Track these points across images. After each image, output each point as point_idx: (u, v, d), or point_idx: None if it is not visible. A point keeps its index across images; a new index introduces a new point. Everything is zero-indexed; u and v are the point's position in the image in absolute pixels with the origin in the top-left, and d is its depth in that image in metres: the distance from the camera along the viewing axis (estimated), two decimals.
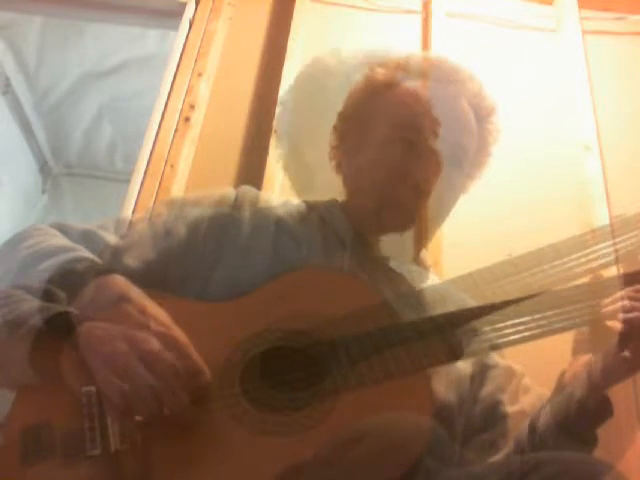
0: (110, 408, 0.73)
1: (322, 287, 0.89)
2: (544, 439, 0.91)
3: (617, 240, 0.91)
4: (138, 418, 0.72)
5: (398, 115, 1.02)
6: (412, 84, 1.04)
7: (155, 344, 0.74)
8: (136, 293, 0.80)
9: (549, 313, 0.86)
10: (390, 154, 1.00)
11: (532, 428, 0.94)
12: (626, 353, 0.85)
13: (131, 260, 0.91)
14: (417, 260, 1.07)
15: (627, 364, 0.86)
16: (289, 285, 0.89)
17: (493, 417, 0.98)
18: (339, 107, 1.11)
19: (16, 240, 0.90)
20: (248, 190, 1.05)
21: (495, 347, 0.92)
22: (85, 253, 0.87)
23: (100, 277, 0.81)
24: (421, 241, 1.04)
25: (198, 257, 0.95)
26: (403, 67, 1.06)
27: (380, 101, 1.05)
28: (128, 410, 0.71)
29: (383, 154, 1.00)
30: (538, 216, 1.52)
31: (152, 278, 0.87)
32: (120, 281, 0.81)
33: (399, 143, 0.99)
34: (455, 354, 0.84)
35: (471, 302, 0.96)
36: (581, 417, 0.88)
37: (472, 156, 1.05)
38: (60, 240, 0.90)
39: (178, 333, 0.77)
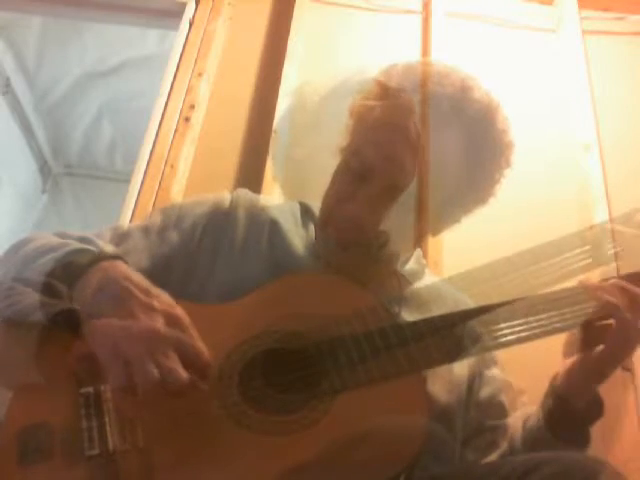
0: (112, 382, 0.73)
1: (319, 290, 0.90)
2: (535, 441, 0.92)
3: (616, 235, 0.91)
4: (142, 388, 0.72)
5: (360, 143, 0.96)
6: (395, 106, 0.95)
7: (159, 321, 0.74)
8: (138, 276, 0.81)
9: (543, 315, 0.86)
10: (338, 178, 0.98)
11: (525, 430, 0.94)
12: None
13: None
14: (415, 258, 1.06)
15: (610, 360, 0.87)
16: (286, 288, 0.90)
17: (494, 418, 0.98)
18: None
19: (19, 244, 0.91)
20: (243, 193, 1.05)
21: (491, 348, 0.92)
22: (87, 246, 0.88)
23: (104, 262, 0.81)
24: (420, 239, 1.03)
25: (193, 263, 0.96)
26: (406, 77, 0.98)
27: (364, 118, 0.99)
28: (130, 384, 0.72)
29: (334, 174, 0.99)
30: (538, 216, 1.52)
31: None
32: (123, 265, 0.82)
33: (349, 172, 0.96)
34: (452, 354, 0.84)
35: (468, 301, 0.96)
36: (570, 417, 0.89)
37: (456, 187, 0.97)
38: (61, 240, 0.91)
39: (181, 312, 0.77)
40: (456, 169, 0.95)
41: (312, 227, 1.03)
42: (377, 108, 0.96)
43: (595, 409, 0.91)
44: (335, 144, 1.01)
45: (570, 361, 0.91)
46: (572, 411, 0.89)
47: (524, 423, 0.95)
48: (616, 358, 0.88)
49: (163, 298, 0.78)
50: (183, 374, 0.73)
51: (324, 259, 0.97)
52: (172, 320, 0.76)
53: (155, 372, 0.71)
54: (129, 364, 0.72)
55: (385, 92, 0.98)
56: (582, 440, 0.90)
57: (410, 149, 0.92)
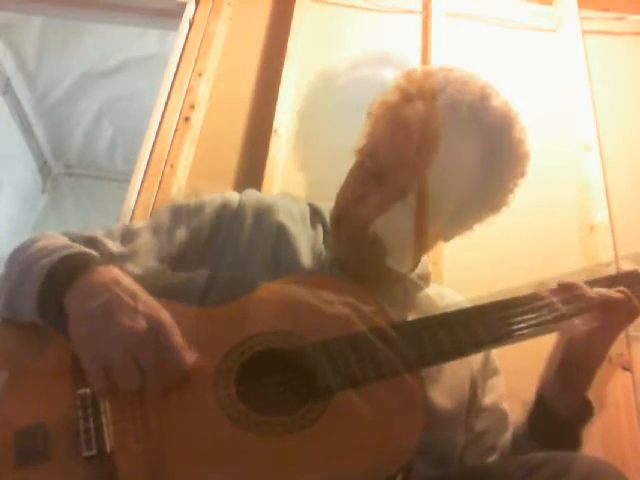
0: (92, 383, 0.75)
1: (317, 290, 0.90)
2: (522, 447, 0.92)
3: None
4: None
5: (376, 145, 0.96)
6: (415, 110, 0.95)
7: (142, 324, 0.75)
8: (128, 280, 0.81)
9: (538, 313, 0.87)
10: (353, 178, 0.98)
11: (514, 436, 0.95)
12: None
13: (133, 267, 0.92)
14: (416, 268, 1.06)
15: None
16: (283, 288, 0.90)
17: (498, 425, 0.99)
18: None
19: (26, 244, 0.92)
20: (252, 194, 1.05)
21: (488, 345, 0.92)
22: (87, 249, 0.89)
23: (97, 266, 0.82)
24: (421, 251, 1.03)
25: (200, 262, 0.96)
26: (425, 82, 0.97)
27: (382, 120, 0.99)
28: (110, 386, 0.73)
29: (349, 174, 0.99)
30: (538, 215, 1.52)
31: (154, 284, 0.87)
32: (114, 270, 0.82)
33: (364, 173, 0.96)
34: (448, 354, 0.84)
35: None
36: (552, 422, 0.90)
37: (470, 194, 0.96)
38: (66, 241, 0.92)
39: (164, 316, 0.78)
40: (472, 176, 0.94)
41: (320, 229, 1.03)
42: (395, 112, 0.96)
43: (583, 412, 0.91)
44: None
45: (546, 364, 0.92)
46: (554, 416, 0.90)
47: (514, 430, 0.96)
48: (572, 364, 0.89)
49: (149, 302, 0.78)
50: (162, 378, 0.74)
51: (331, 260, 0.97)
52: (154, 324, 0.76)
53: (135, 374, 0.73)
54: (109, 366, 0.73)
55: (404, 97, 0.97)
56: (570, 445, 0.90)
57: (425, 154, 0.92)
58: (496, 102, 0.94)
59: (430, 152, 0.91)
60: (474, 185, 0.94)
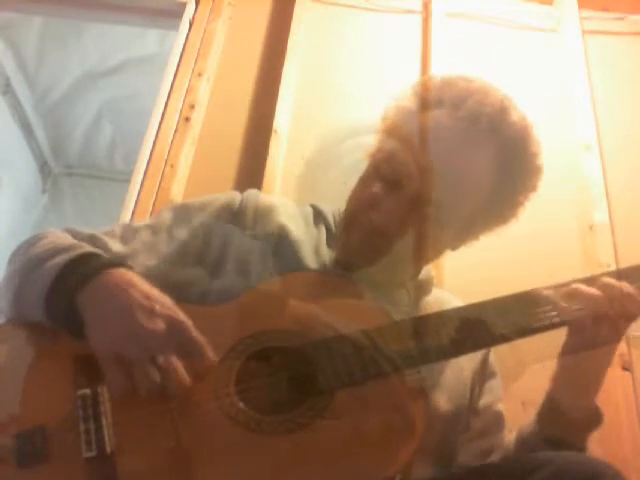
0: (111, 385, 0.75)
1: (317, 289, 0.90)
2: (528, 448, 0.92)
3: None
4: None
5: (393, 150, 0.95)
6: (433, 119, 0.94)
7: (160, 325, 0.75)
8: (142, 281, 0.81)
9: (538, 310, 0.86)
10: (366, 182, 0.96)
11: (519, 441, 0.94)
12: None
13: (133, 266, 0.92)
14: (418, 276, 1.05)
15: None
16: (283, 287, 0.90)
17: (493, 426, 0.99)
18: None
19: (30, 242, 0.91)
20: (253, 195, 1.05)
21: (488, 344, 0.92)
22: (96, 250, 0.89)
23: (109, 269, 0.82)
24: (426, 259, 1.02)
25: (200, 261, 0.96)
26: (443, 91, 0.96)
27: (399, 125, 0.98)
28: (129, 388, 0.73)
29: (362, 178, 0.98)
30: (538, 216, 1.52)
31: (154, 284, 0.88)
32: (127, 272, 0.82)
33: (378, 178, 0.94)
34: (447, 352, 0.84)
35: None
36: (562, 424, 0.89)
37: (482, 205, 0.95)
38: (72, 240, 0.92)
39: (182, 315, 0.78)
40: (486, 187, 0.93)
41: (323, 229, 1.02)
42: (412, 119, 0.95)
43: (591, 417, 0.91)
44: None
45: (556, 366, 0.91)
46: (563, 417, 0.89)
47: (519, 430, 0.96)
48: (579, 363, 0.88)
49: (165, 302, 0.78)
50: (184, 377, 0.73)
51: (334, 260, 0.97)
52: (173, 324, 0.76)
53: (156, 376, 0.73)
54: (130, 368, 0.73)
55: (422, 104, 0.96)
56: (576, 448, 0.90)
57: (441, 162, 0.91)
58: (515, 116, 0.94)
59: (444, 162, 0.90)
60: (487, 196, 0.94)
